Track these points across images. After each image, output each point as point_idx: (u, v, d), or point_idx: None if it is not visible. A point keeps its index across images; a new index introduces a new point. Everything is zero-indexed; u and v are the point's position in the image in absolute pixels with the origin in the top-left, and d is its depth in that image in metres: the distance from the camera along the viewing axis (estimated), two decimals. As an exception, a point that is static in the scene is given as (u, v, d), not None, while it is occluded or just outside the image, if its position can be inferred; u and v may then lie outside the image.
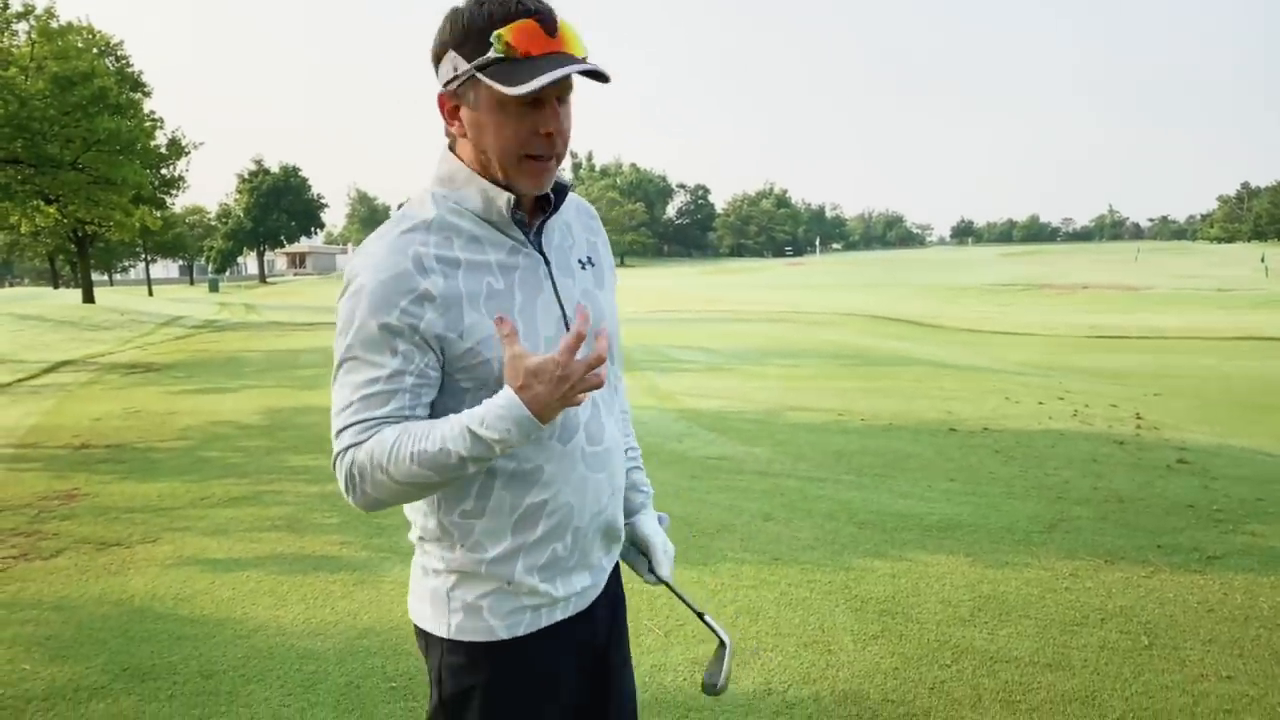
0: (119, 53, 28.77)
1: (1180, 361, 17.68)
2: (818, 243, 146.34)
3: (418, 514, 1.49)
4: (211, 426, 9.24)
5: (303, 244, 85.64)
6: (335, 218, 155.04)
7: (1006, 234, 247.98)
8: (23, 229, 18.90)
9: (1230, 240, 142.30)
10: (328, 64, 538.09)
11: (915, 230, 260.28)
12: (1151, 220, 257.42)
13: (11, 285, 73.15)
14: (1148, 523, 5.26)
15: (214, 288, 58.64)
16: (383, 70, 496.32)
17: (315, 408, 10.36)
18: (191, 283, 71.62)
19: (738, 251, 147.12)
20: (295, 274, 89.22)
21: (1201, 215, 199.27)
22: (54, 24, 17.13)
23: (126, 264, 53.64)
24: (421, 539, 1.50)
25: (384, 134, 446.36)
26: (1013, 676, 3.35)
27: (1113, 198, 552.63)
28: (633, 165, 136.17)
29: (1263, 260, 58.05)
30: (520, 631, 1.47)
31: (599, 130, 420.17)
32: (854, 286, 50.63)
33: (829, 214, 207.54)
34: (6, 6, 16.82)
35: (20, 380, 14.32)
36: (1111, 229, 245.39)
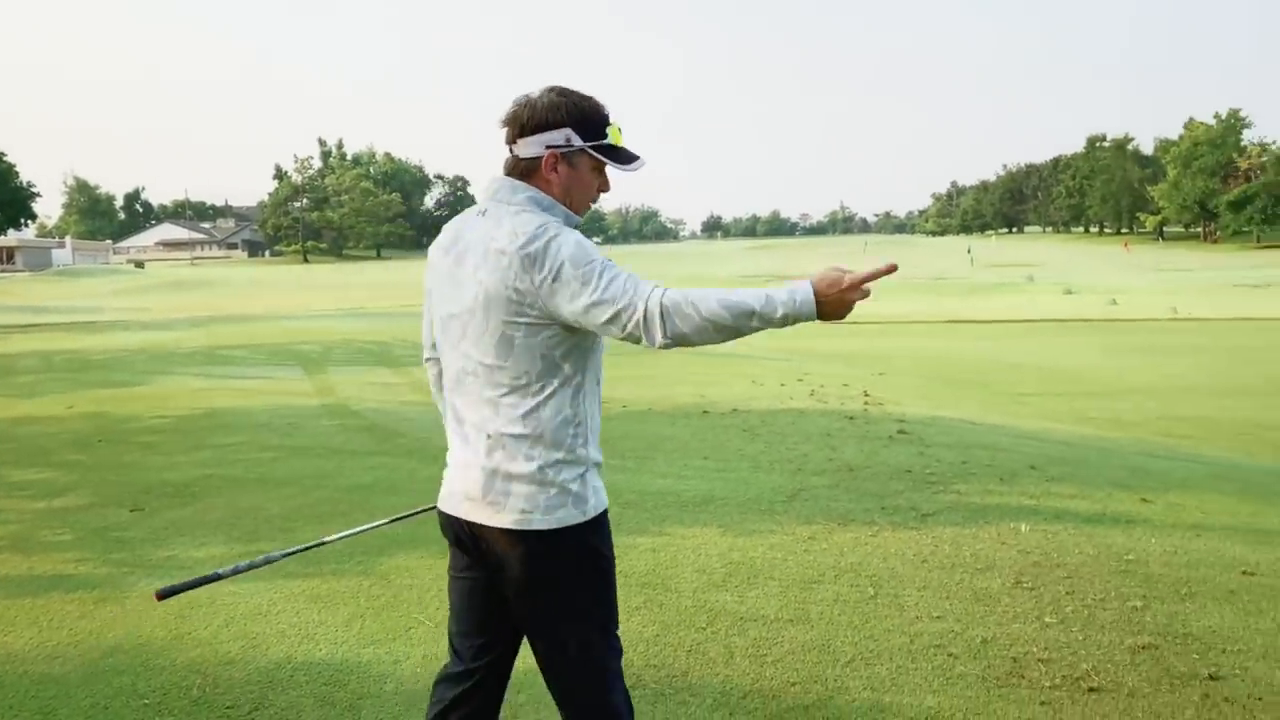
0: None
1: (901, 344, 19.54)
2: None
3: (541, 441, 1.95)
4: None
5: (10, 237, 76.43)
6: (50, 208, 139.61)
7: (751, 229, 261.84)
8: None
9: (942, 233, 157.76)
10: (41, 45, 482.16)
11: (669, 225, 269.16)
12: (877, 215, 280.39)
13: None
14: (873, 488, 5.85)
15: (-103, 286, 51.18)
16: (103, 54, 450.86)
17: (35, 417, 9.40)
18: None
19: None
20: (3, 270, 79.47)
21: (919, 211, 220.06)
22: None
23: None
24: (552, 457, 1.95)
25: (105, 121, 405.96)
26: (760, 633, 3.66)
27: (843, 195, 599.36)
28: (387, 154, 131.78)
29: (969, 252, 64.93)
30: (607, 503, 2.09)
31: (351, 117, 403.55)
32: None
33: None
34: None
35: None
36: (843, 224, 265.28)
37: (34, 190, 62.13)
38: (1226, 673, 3.26)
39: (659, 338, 1.81)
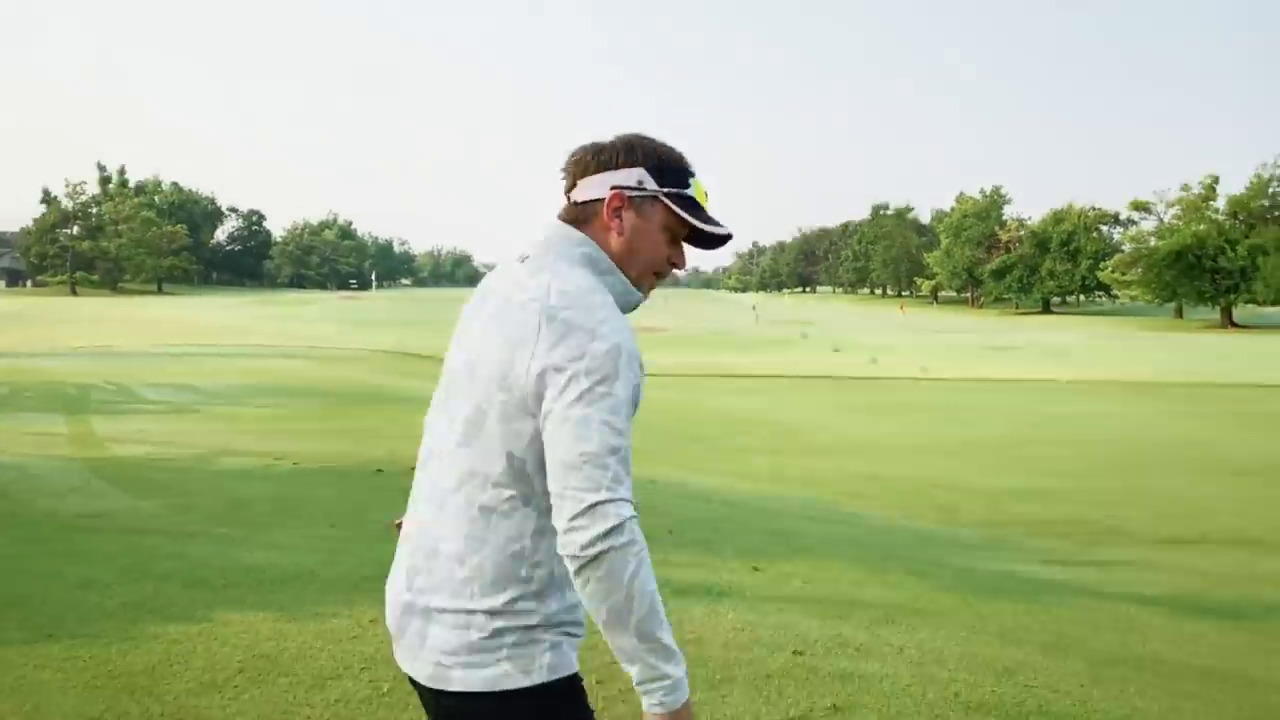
0: None
1: (655, 396, 19.62)
2: (374, 277, 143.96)
3: (507, 580, 1.47)
4: None
5: None
6: None
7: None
8: None
9: (744, 290, 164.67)
10: None
11: (483, 269, 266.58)
12: (686, 272, 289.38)
13: None
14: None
15: None
16: None
17: None
18: None
19: (298, 282, 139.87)
20: None
21: (723, 268, 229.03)
22: None
23: None
24: (509, 602, 1.47)
25: None
26: None
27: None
28: (174, 184, 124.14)
29: (754, 308, 67.57)
30: (577, 665, 1.54)
31: (136, 144, 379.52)
32: (399, 323, 50.23)
33: (397, 249, 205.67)
34: None
35: None
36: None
37: None
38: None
39: (584, 550, 1.35)
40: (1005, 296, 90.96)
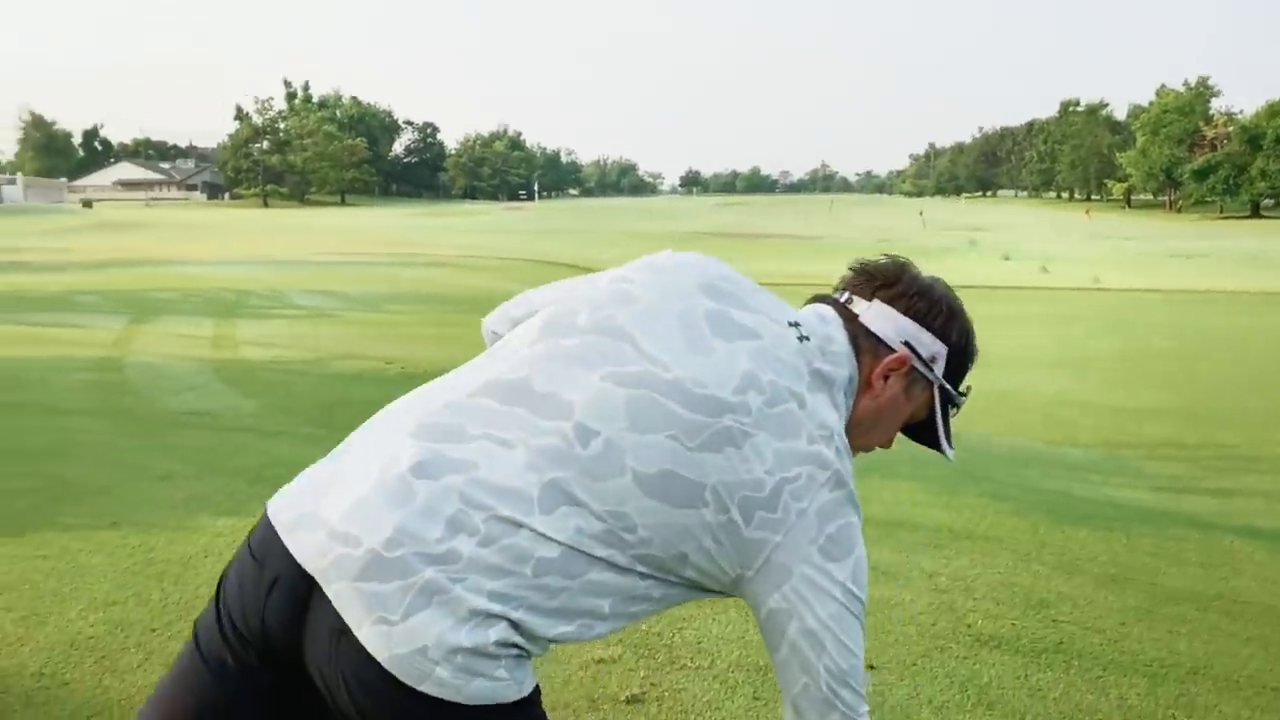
0: None
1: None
2: (535, 188, 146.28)
3: (563, 618, 1.14)
4: None
5: (-43, 171, 74.70)
6: (4, 144, 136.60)
7: (730, 185, 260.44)
8: None
9: (919, 194, 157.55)
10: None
11: (648, 179, 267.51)
12: (859, 175, 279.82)
13: None
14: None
15: None
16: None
17: None
18: None
19: (470, 194, 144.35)
20: (-54, 206, 77.67)
21: (898, 172, 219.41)
22: None
23: None
24: (533, 619, 1.12)
25: (64, 54, 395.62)
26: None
27: (825, 154, 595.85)
28: (354, 98, 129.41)
29: (920, 214, 64.66)
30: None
31: (318, 59, 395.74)
32: (554, 232, 51.12)
33: (565, 159, 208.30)
34: None
35: None
36: (823, 182, 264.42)
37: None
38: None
39: None
40: (1208, 199, 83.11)
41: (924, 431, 1.39)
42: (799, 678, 1.19)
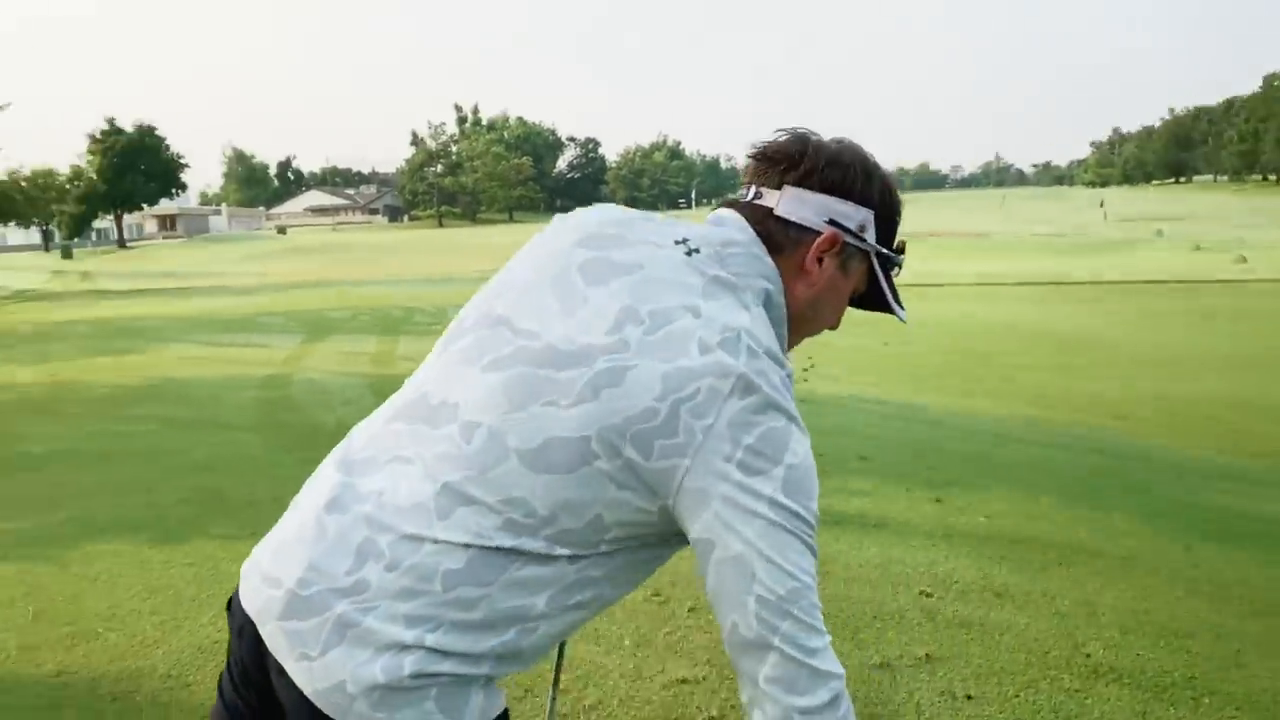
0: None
1: (953, 309, 18.42)
2: (694, 195, 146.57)
3: (491, 630, 1.10)
4: None
5: (173, 205, 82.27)
6: (211, 177, 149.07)
7: (897, 181, 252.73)
8: None
9: (1104, 184, 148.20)
10: (198, 23, 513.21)
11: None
12: (1035, 166, 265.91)
13: None
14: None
15: (66, 254, 56.11)
16: (260, 25, 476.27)
17: (7, 384, 10.05)
18: (47, 249, 68.28)
19: (632, 204, 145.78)
20: (165, 237, 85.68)
21: (1077, 161, 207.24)
22: None
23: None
24: (473, 650, 1.10)
25: (260, 90, 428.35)
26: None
27: (999, 145, 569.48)
28: (519, 119, 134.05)
29: (1101, 205, 60.72)
30: (504, 699, 1.21)
31: (484, 83, 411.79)
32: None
33: (724, 165, 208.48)
34: None
35: None
36: (997, 175, 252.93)
37: (183, 161, 66.46)
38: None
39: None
40: None
41: (870, 301, 1.30)
42: (727, 616, 1.06)
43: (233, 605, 1.23)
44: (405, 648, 1.07)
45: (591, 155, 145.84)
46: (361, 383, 9.25)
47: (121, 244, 69.40)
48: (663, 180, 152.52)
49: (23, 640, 3.57)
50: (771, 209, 1.22)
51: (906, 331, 13.86)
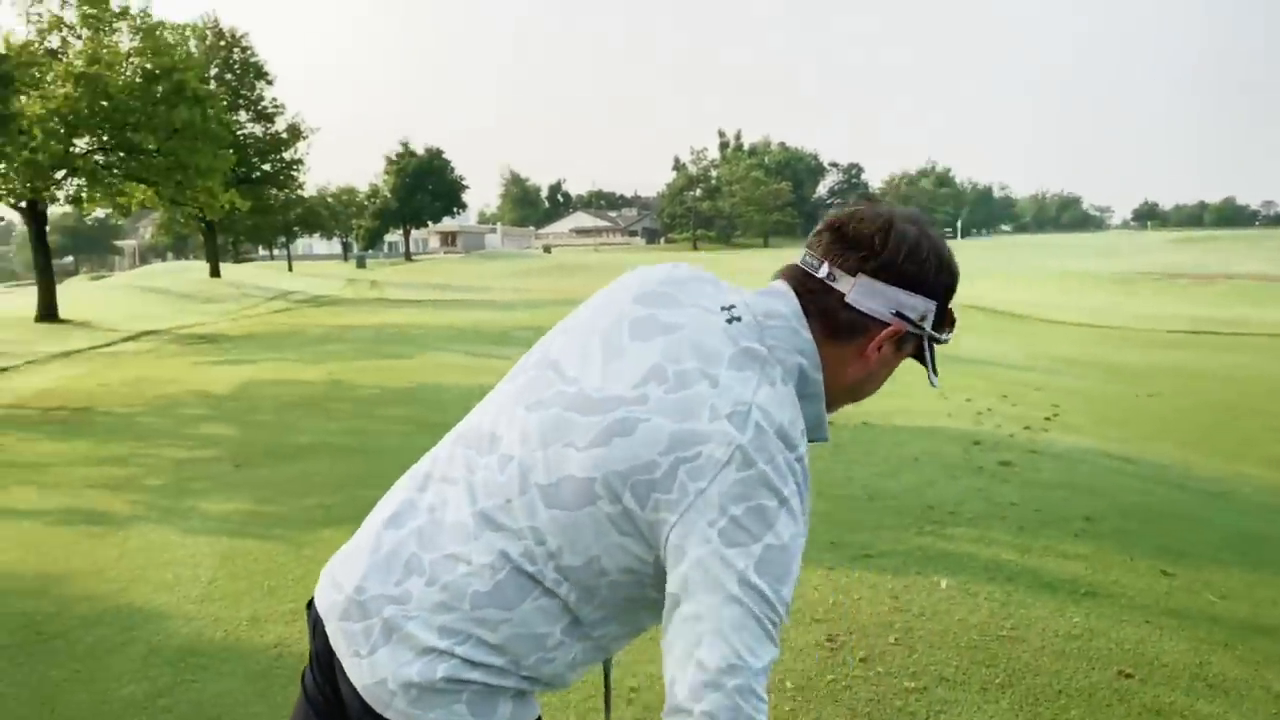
0: (242, 44, 31.22)
1: (1239, 360, 16.51)
2: (959, 225, 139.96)
3: (512, 651, 1.20)
4: (184, 395, 10.35)
5: (454, 222, 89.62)
6: (489, 197, 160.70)
7: (1196, 217, 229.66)
8: (133, 208, 21.27)
9: None
10: (488, 57, 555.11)
11: (1094, 212, 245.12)
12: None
13: (175, 261, 79.54)
14: (850, 519, 5.38)
15: (360, 264, 62.46)
16: (534, 60, 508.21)
17: (291, 380, 11.37)
18: (345, 259, 76.48)
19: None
20: (445, 251, 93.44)
21: None
22: (148, 21, 19.18)
23: (284, 240, 57.95)
24: (498, 665, 1.21)
25: (536, 117, 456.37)
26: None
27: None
28: (781, 144, 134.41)
29: None
30: (539, 709, 1.32)
31: (749, 109, 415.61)
32: (973, 272, 48.66)
33: (997, 194, 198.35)
34: (108, 4, 18.82)
35: (94, 346, 16.13)
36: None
37: (465, 183, 72.19)
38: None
39: None
40: None
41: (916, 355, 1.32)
42: (669, 672, 1.09)
43: (311, 604, 1.40)
44: (440, 654, 1.20)
45: (854, 181, 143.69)
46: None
47: (408, 257, 76.40)
48: (929, 208, 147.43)
49: (254, 612, 4.06)
50: (843, 295, 1.23)
51: (1178, 381, 12.63)
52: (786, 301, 1.24)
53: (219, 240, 49.83)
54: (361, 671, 1.24)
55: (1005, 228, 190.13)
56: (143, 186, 19.62)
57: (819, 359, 1.23)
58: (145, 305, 24.94)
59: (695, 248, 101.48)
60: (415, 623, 1.21)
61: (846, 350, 1.25)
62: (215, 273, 35.66)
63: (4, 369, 14.10)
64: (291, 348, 15.80)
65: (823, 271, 1.25)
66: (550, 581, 1.18)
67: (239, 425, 8.65)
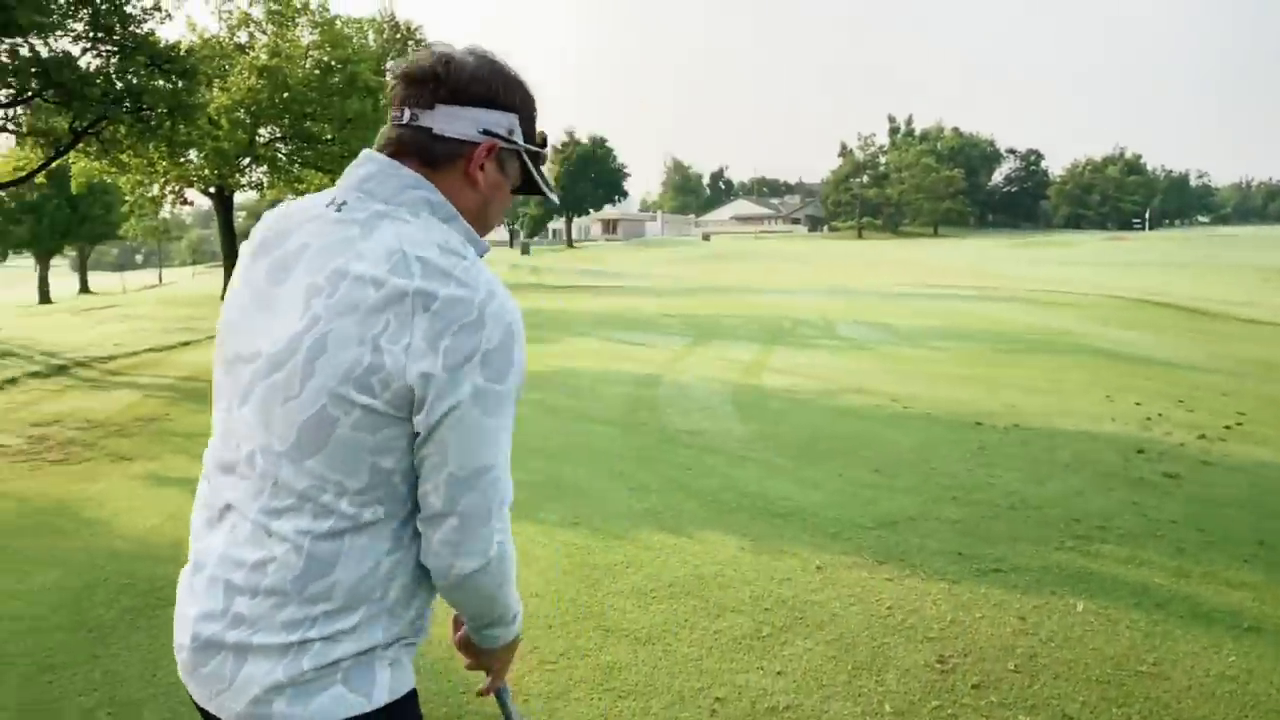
0: (416, 36, 32.49)
1: None
2: (1147, 216, 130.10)
3: (360, 601, 1.25)
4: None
5: (615, 210, 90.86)
6: (651, 185, 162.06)
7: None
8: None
9: None
10: (650, 46, 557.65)
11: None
12: None
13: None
14: (1002, 532, 4.97)
15: (525, 251, 64.21)
16: (689, 45, 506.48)
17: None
18: (511, 246, 78.83)
19: (1074, 223, 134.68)
20: (606, 239, 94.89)
21: None
22: (325, 16, 20.21)
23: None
24: (336, 623, 1.24)
25: (695, 104, 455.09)
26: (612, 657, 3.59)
27: None
28: (955, 130, 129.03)
29: None
30: (413, 677, 1.37)
31: (922, 94, 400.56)
32: (1164, 265, 45.21)
33: (1194, 182, 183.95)
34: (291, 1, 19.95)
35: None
36: None
37: (626, 171, 72.93)
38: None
39: (464, 579, 1.26)
40: None
41: (527, 189, 1.45)
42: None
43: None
44: (297, 646, 1.22)
45: (1032, 168, 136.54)
46: (723, 390, 9.45)
47: (570, 244, 77.99)
48: (1115, 197, 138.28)
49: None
50: (430, 129, 1.31)
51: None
52: (372, 160, 1.32)
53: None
54: (232, 702, 1.24)
55: (1202, 219, 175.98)
56: (319, 174, 20.73)
57: (434, 187, 1.31)
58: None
59: (860, 235, 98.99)
60: (260, 634, 1.23)
61: (452, 177, 1.33)
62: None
63: (187, 343, 15.19)
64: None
65: (405, 117, 1.32)
66: (350, 521, 1.23)
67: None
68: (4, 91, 13.50)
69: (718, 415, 8.16)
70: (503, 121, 1.35)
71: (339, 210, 1.29)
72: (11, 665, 3.43)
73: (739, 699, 3.17)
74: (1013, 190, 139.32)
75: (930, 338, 14.89)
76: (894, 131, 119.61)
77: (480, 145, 1.33)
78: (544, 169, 1.46)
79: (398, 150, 1.33)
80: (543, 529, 4.97)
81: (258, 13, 20.07)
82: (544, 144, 1.43)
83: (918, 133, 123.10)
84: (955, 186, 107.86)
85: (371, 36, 29.22)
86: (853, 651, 3.53)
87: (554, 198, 1.48)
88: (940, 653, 3.52)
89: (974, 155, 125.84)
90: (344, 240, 1.25)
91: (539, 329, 16.10)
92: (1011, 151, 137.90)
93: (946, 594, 4.09)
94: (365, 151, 1.36)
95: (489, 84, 1.34)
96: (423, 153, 1.32)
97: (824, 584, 4.20)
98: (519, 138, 1.37)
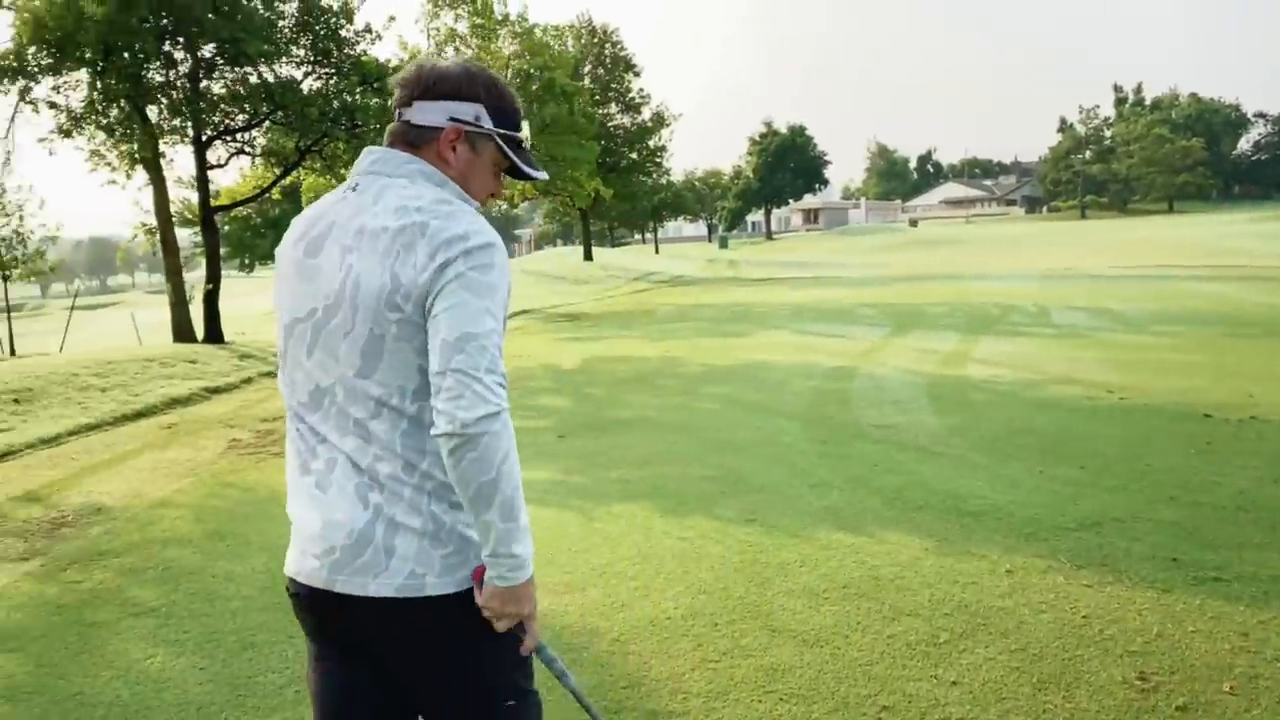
0: (612, 39, 33.15)
1: None
2: None
3: (429, 477, 1.55)
4: (535, 368, 11.20)
5: (816, 199, 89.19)
6: (855, 172, 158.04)
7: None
8: (515, 199, 23.49)
9: None
10: (848, 30, 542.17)
11: None
12: None
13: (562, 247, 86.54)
14: (1223, 536, 4.47)
15: (723, 244, 64.26)
16: (891, 28, 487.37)
17: (628, 357, 11.88)
18: (709, 240, 79.13)
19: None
20: (807, 229, 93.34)
21: None
22: (525, 26, 20.98)
23: (652, 224, 61.21)
24: (446, 496, 1.56)
25: (899, 85, 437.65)
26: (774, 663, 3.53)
27: None
28: (1193, 95, 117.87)
29: None
30: None
31: (1153, 61, 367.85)
32: None
33: None
34: (492, 14, 20.87)
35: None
36: None
37: (826, 158, 71.50)
38: None
39: (465, 429, 1.42)
40: None
41: (514, 171, 1.75)
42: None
43: (298, 594, 1.72)
44: (432, 520, 1.57)
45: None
46: (920, 383, 9.04)
47: (769, 236, 77.27)
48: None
49: (525, 579, 4.19)
50: (410, 120, 1.67)
51: None
52: (374, 150, 1.70)
53: (595, 226, 53.70)
54: (386, 583, 1.54)
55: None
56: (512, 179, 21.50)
57: (424, 162, 1.65)
58: (524, 287, 27.44)
59: (1083, 215, 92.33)
60: (401, 515, 1.55)
61: (429, 155, 1.66)
62: (588, 256, 38.53)
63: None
64: (640, 325, 16.55)
65: (396, 115, 1.70)
66: (414, 418, 1.55)
67: (573, 398, 9.16)
68: (240, 117, 14.94)
69: (911, 408, 7.81)
70: (469, 110, 1.66)
71: (354, 191, 1.65)
72: (220, 642, 3.75)
73: (908, 708, 3.00)
74: (1262, 158, 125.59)
75: (1155, 322, 13.68)
76: (1120, 101, 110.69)
77: (447, 129, 1.66)
78: (525, 151, 1.75)
79: (391, 141, 1.69)
80: (717, 524, 4.92)
81: (463, 28, 21.14)
82: (518, 129, 1.72)
83: (1148, 101, 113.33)
84: (1193, 157, 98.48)
85: (570, 42, 30.18)
86: (1039, 663, 3.26)
87: (541, 175, 1.77)
88: (1142, 669, 3.19)
89: (1215, 122, 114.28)
90: (361, 208, 1.61)
91: (732, 322, 16.05)
92: (1261, 116, 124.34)
93: (1154, 603, 3.71)
94: (369, 147, 1.74)
95: (455, 81, 1.66)
96: (407, 140, 1.67)
97: (1012, 589, 3.92)
98: (487, 123, 1.67)
